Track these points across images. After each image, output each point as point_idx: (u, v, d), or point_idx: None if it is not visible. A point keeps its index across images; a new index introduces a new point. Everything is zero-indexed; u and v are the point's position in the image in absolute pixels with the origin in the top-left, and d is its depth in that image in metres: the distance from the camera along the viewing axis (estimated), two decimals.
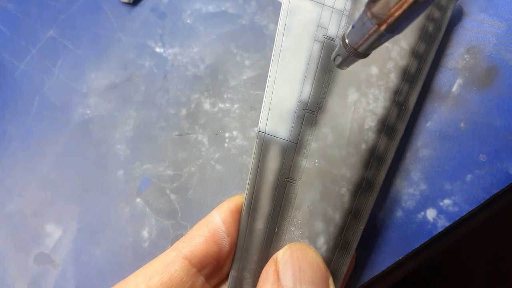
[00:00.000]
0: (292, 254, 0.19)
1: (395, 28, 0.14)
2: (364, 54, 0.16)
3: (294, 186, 0.20)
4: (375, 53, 0.21)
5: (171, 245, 0.20)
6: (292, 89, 0.21)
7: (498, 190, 0.22)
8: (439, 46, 0.22)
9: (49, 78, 0.31)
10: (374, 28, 0.14)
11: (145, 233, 0.26)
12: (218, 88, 0.27)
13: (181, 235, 0.22)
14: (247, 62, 0.27)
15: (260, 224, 0.20)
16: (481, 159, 0.22)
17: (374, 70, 0.21)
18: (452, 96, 0.23)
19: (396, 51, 0.21)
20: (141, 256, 0.26)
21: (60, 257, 0.27)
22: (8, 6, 0.33)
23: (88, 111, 0.30)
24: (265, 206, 0.20)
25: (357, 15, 0.21)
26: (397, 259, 0.23)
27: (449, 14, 0.22)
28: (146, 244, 0.26)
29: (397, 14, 0.14)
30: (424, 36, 0.22)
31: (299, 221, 0.20)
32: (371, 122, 0.21)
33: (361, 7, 0.21)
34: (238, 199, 0.21)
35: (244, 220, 0.20)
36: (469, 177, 0.22)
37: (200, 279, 0.19)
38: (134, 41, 0.30)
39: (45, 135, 0.30)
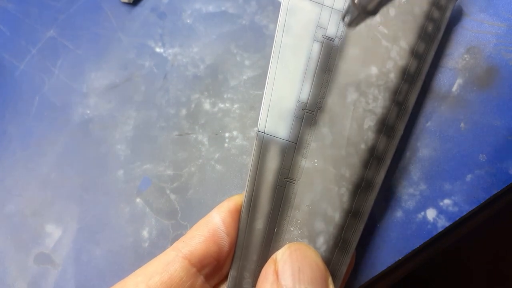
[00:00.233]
0: (291, 254, 0.19)
1: None
2: (373, 11, 0.16)
3: (293, 186, 0.20)
4: (375, 53, 0.21)
5: (171, 245, 0.20)
6: (292, 88, 0.21)
7: (498, 190, 0.22)
8: (439, 46, 0.22)
9: (49, 78, 0.31)
10: None
11: (145, 233, 0.26)
12: (218, 88, 0.27)
13: (181, 235, 0.22)
14: (247, 62, 0.27)
15: (259, 224, 0.20)
16: (481, 159, 0.22)
17: (374, 70, 0.21)
18: (452, 96, 0.23)
19: (395, 50, 0.21)
20: (141, 256, 0.26)
21: (60, 257, 0.27)
22: (8, 6, 0.33)
23: (88, 111, 0.30)
24: (265, 205, 0.20)
25: None
26: (397, 259, 0.23)
27: (448, 14, 0.22)
28: (146, 244, 0.26)
29: None
30: (424, 35, 0.22)
31: (299, 221, 0.20)
32: (370, 122, 0.21)
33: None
34: (237, 199, 0.21)
35: (243, 219, 0.20)
36: (469, 177, 0.22)
37: (200, 279, 0.19)
38: (134, 41, 0.30)
39: (45, 135, 0.30)
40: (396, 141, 0.21)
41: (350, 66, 0.21)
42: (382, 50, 0.21)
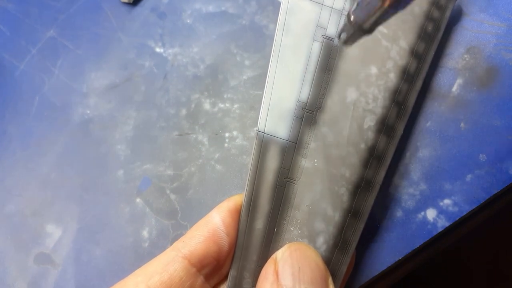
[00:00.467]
0: (291, 254, 0.19)
1: (399, 3, 0.14)
2: (369, 30, 0.16)
3: (293, 186, 0.20)
4: (374, 53, 0.21)
5: (171, 245, 0.20)
6: (291, 88, 0.21)
7: (498, 190, 0.22)
8: (439, 46, 0.22)
9: (49, 78, 0.31)
10: (379, 5, 0.15)
11: (145, 233, 0.26)
12: (218, 88, 0.27)
13: (181, 235, 0.22)
14: (247, 62, 0.27)
15: (259, 224, 0.20)
16: (481, 159, 0.22)
17: (373, 69, 0.21)
18: (452, 96, 0.23)
19: (395, 50, 0.21)
20: (141, 256, 0.26)
21: (60, 257, 0.27)
22: (8, 6, 0.33)
23: (88, 111, 0.30)
24: (265, 205, 0.20)
25: None
26: (397, 259, 0.23)
27: (448, 13, 0.22)
28: (146, 244, 0.26)
29: None
30: (424, 35, 0.22)
31: (299, 221, 0.20)
32: (370, 122, 0.21)
33: None
34: (237, 199, 0.21)
35: (243, 219, 0.20)
36: (469, 177, 0.22)
37: (200, 279, 0.19)
38: (134, 41, 0.30)
39: (45, 135, 0.30)
40: (396, 141, 0.21)
41: (350, 66, 0.21)
42: (382, 50, 0.21)
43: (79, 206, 0.28)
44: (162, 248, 0.26)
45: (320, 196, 0.20)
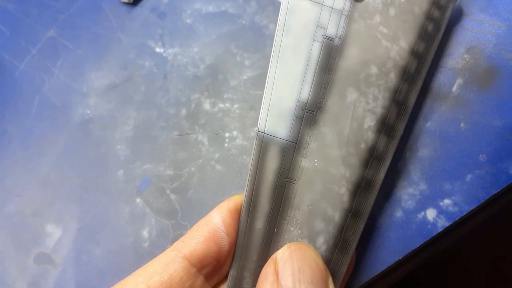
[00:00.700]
0: (291, 254, 0.19)
1: None
2: None
3: (293, 186, 0.20)
4: (375, 53, 0.21)
5: (171, 245, 0.20)
6: (291, 88, 0.21)
7: (498, 190, 0.22)
8: (439, 46, 0.22)
9: (49, 78, 0.31)
10: None
11: (145, 233, 0.26)
12: (218, 88, 0.27)
13: (181, 235, 0.22)
14: (247, 62, 0.27)
15: (259, 224, 0.20)
16: (481, 159, 0.22)
17: (374, 69, 0.21)
18: (452, 96, 0.23)
19: (395, 50, 0.21)
20: (141, 256, 0.26)
21: (60, 257, 0.27)
22: (8, 6, 0.33)
23: (88, 111, 0.30)
24: (265, 205, 0.20)
25: (357, 15, 0.21)
26: (397, 259, 0.23)
27: (448, 13, 0.22)
28: (146, 244, 0.26)
29: None
30: (424, 35, 0.22)
31: (299, 221, 0.20)
32: (370, 122, 0.21)
33: (361, 8, 0.21)
34: (237, 199, 0.21)
35: (243, 219, 0.20)
36: (469, 177, 0.22)
37: (200, 279, 0.19)
38: (134, 41, 0.30)
39: (45, 135, 0.30)
40: (396, 141, 0.21)
41: (350, 66, 0.21)
42: (382, 49, 0.21)
43: (79, 206, 0.28)
44: (162, 248, 0.26)
45: (320, 196, 0.20)
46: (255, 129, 0.21)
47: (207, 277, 0.20)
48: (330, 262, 0.20)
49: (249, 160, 0.25)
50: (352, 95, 0.21)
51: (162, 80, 0.29)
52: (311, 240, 0.20)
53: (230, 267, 0.21)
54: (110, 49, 0.30)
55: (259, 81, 0.27)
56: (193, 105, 0.28)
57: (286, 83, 0.21)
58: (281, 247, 0.20)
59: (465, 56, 0.23)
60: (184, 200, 0.26)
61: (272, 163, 0.20)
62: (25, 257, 0.28)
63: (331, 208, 0.20)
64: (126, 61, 0.30)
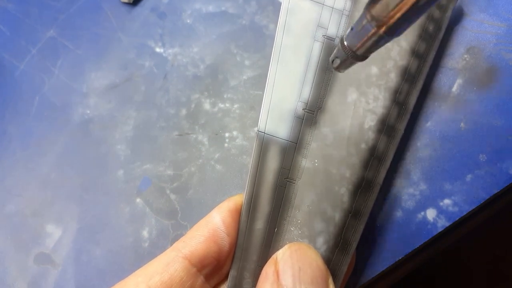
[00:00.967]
0: (291, 254, 0.19)
1: (394, 30, 0.14)
2: (363, 57, 0.15)
3: (293, 186, 0.20)
4: (375, 53, 0.21)
5: (171, 245, 0.20)
6: (292, 89, 0.21)
7: (498, 190, 0.22)
8: (439, 46, 0.22)
9: (49, 78, 0.31)
10: (373, 31, 0.14)
11: (145, 233, 0.26)
12: (218, 88, 0.27)
13: (181, 235, 0.22)
14: (247, 62, 0.27)
15: (259, 224, 0.20)
16: (481, 159, 0.22)
17: (374, 69, 0.21)
18: (452, 96, 0.23)
19: (396, 50, 0.21)
20: (141, 256, 0.26)
21: (60, 257, 0.27)
22: (8, 6, 0.33)
23: (88, 111, 0.30)
24: (265, 206, 0.20)
25: (357, 16, 0.21)
26: (397, 259, 0.23)
27: (449, 13, 0.22)
28: (146, 244, 0.26)
29: (396, 16, 0.13)
30: (424, 35, 0.22)
31: (299, 221, 0.20)
32: (371, 122, 0.21)
33: (361, 8, 0.21)
34: (237, 199, 0.21)
35: (243, 220, 0.20)
36: (469, 177, 0.22)
37: (200, 279, 0.19)
38: (134, 41, 0.30)
39: (45, 135, 0.30)
40: (397, 141, 0.21)
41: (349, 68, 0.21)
42: (382, 50, 0.21)
43: (79, 206, 0.28)
44: (162, 248, 0.26)
45: (320, 196, 0.20)
46: (255, 129, 0.21)
47: (208, 277, 0.20)
48: (330, 262, 0.20)
49: (249, 160, 0.25)
50: (352, 95, 0.21)
51: (162, 80, 0.29)
52: (312, 240, 0.20)
53: (230, 267, 0.21)
54: (110, 49, 0.30)
55: (259, 81, 0.27)
56: (193, 105, 0.28)
57: (286, 83, 0.21)
58: (281, 247, 0.20)
59: (465, 56, 0.23)
60: (184, 200, 0.26)
61: (273, 163, 0.20)
62: (25, 257, 0.28)
63: (332, 208, 0.20)
64: (126, 61, 0.30)
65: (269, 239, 0.20)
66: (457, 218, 0.22)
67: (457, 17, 0.24)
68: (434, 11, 0.22)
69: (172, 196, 0.27)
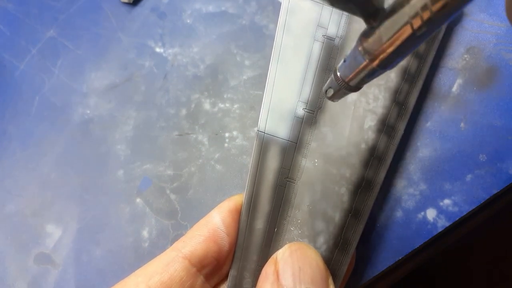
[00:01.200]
0: (291, 254, 0.19)
1: (387, 64, 0.13)
2: (356, 88, 0.15)
3: (293, 186, 0.20)
4: None
5: (171, 245, 0.20)
6: (292, 88, 0.21)
7: (498, 190, 0.22)
8: (439, 46, 0.22)
9: (49, 78, 0.31)
10: (365, 64, 0.14)
11: (145, 233, 0.26)
12: (218, 88, 0.27)
13: (181, 235, 0.22)
14: (247, 62, 0.27)
15: (259, 224, 0.20)
16: (481, 159, 0.22)
17: None
18: (452, 96, 0.23)
19: None
20: (141, 256, 0.26)
21: (60, 257, 0.27)
22: (8, 6, 0.33)
23: (88, 111, 0.30)
24: (265, 205, 0.20)
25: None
26: (397, 259, 0.23)
27: None
28: (146, 244, 0.26)
29: (389, 50, 0.13)
30: None
31: (299, 221, 0.20)
32: (370, 122, 0.21)
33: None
34: (237, 199, 0.21)
35: (243, 219, 0.20)
36: (469, 177, 0.22)
37: (200, 279, 0.19)
38: (134, 41, 0.30)
39: (45, 135, 0.30)
40: (397, 141, 0.21)
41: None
42: None
43: (79, 206, 0.28)
44: (162, 248, 0.26)
45: (320, 196, 0.20)
46: (255, 129, 0.21)
47: (207, 277, 0.20)
48: (330, 262, 0.20)
49: (249, 160, 0.25)
50: (352, 95, 0.21)
51: (162, 80, 0.29)
52: (311, 240, 0.20)
53: (230, 267, 0.21)
54: (110, 49, 0.30)
55: (259, 81, 0.27)
56: (193, 105, 0.28)
57: (286, 83, 0.21)
58: (281, 247, 0.20)
59: (465, 56, 0.23)
60: (184, 200, 0.26)
61: (273, 163, 0.20)
62: (25, 257, 0.28)
63: (331, 208, 0.20)
64: (126, 61, 0.30)
65: (269, 239, 0.20)
66: (457, 218, 0.22)
67: (457, 17, 0.24)
68: None
69: (172, 196, 0.27)
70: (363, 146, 0.21)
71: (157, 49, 0.29)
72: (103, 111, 0.29)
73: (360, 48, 0.14)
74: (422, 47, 0.22)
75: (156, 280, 0.18)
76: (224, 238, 0.20)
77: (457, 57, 0.24)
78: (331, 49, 0.21)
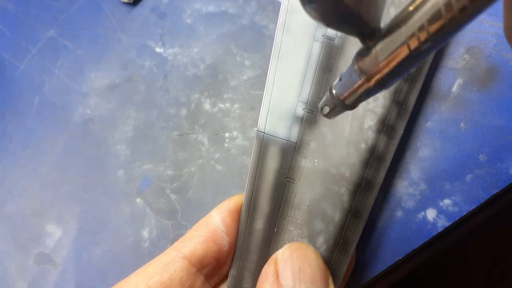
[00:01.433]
0: (291, 254, 0.19)
1: (384, 84, 0.13)
2: (352, 106, 0.15)
3: (293, 186, 0.20)
4: None
5: (171, 245, 0.20)
6: (292, 88, 0.21)
7: (498, 190, 0.22)
8: None
9: (49, 78, 0.31)
10: (361, 83, 0.13)
11: (145, 233, 0.26)
12: (218, 88, 0.27)
13: (181, 235, 0.22)
14: (247, 62, 0.27)
15: (259, 224, 0.20)
16: (481, 159, 0.22)
17: None
18: (452, 96, 0.23)
19: None
20: (141, 256, 0.26)
21: (60, 257, 0.27)
22: (8, 6, 0.33)
23: (88, 111, 0.30)
24: (265, 205, 0.20)
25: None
26: (397, 259, 0.23)
27: None
28: (146, 244, 0.26)
29: (386, 70, 0.13)
30: None
31: (299, 221, 0.20)
32: (370, 122, 0.21)
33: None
34: (237, 199, 0.21)
35: (243, 219, 0.20)
36: (469, 177, 0.22)
37: (200, 279, 0.19)
38: (134, 41, 0.30)
39: (45, 135, 0.30)
40: (397, 141, 0.21)
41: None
42: None
43: (79, 206, 0.28)
44: (162, 248, 0.26)
45: (320, 196, 0.20)
46: (255, 129, 0.21)
47: (207, 277, 0.20)
48: (330, 262, 0.20)
49: (249, 160, 0.25)
50: None
51: (162, 80, 0.29)
52: (311, 240, 0.20)
53: (230, 267, 0.21)
54: (110, 49, 0.30)
55: (259, 81, 0.27)
56: (193, 105, 0.28)
57: (286, 82, 0.21)
58: (281, 247, 0.20)
59: (465, 56, 0.23)
60: (184, 200, 0.26)
61: (272, 163, 0.20)
62: (25, 257, 0.28)
63: (331, 208, 0.20)
64: (126, 61, 0.30)
65: (269, 239, 0.20)
66: (457, 218, 0.22)
67: None
68: None
69: (172, 196, 0.27)
70: (363, 146, 0.21)
71: (157, 49, 0.29)
72: (103, 111, 0.29)
73: (356, 67, 0.13)
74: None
75: (156, 280, 0.19)
76: (224, 238, 0.20)
77: (457, 57, 0.24)
78: (330, 49, 0.21)
